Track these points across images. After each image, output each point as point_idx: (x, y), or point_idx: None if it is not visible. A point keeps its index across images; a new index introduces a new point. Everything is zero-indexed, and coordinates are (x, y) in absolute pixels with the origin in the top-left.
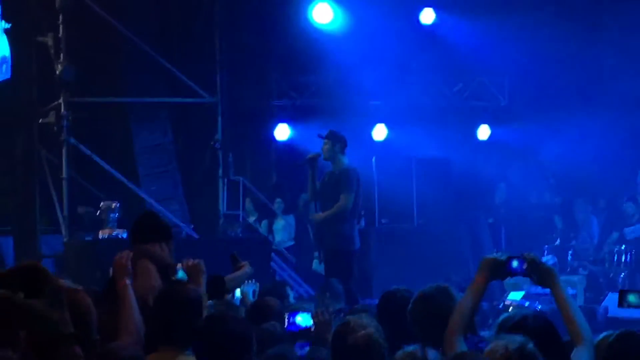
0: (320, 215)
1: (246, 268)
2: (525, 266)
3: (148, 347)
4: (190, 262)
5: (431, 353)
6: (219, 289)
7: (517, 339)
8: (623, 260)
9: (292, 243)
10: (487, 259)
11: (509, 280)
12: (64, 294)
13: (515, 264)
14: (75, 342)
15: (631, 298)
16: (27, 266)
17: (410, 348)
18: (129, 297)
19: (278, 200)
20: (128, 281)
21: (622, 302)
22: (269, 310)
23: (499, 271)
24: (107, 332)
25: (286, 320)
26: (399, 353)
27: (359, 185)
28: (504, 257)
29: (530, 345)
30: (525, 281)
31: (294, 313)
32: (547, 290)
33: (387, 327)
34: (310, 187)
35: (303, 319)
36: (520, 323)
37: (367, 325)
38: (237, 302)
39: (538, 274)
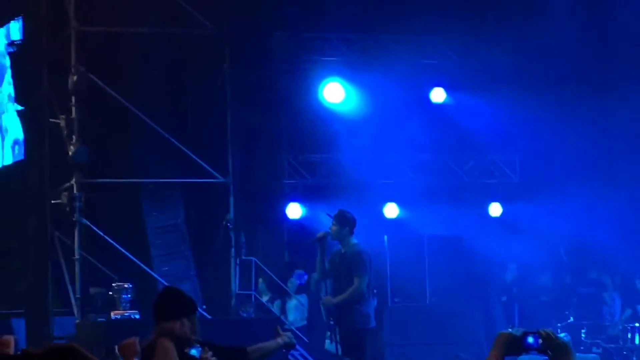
0: (332, 299)
1: (279, 339)
2: (540, 342)
3: None
4: (125, 342)
5: None
6: (240, 358)
7: None
8: (638, 337)
9: (304, 323)
10: (502, 334)
11: (523, 357)
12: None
13: (530, 339)
14: None
15: None
16: (64, 347)
17: None
18: None
19: (291, 279)
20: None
21: None
22: None
23: (514, 347)
24: None
25: None
26: None
27: (371, 265)
28: (519, 333)
29: None
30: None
31: None
32: None
33: None
34: (319, 266)
35: None
36: None
37: None
38: None
39: (554, 350)
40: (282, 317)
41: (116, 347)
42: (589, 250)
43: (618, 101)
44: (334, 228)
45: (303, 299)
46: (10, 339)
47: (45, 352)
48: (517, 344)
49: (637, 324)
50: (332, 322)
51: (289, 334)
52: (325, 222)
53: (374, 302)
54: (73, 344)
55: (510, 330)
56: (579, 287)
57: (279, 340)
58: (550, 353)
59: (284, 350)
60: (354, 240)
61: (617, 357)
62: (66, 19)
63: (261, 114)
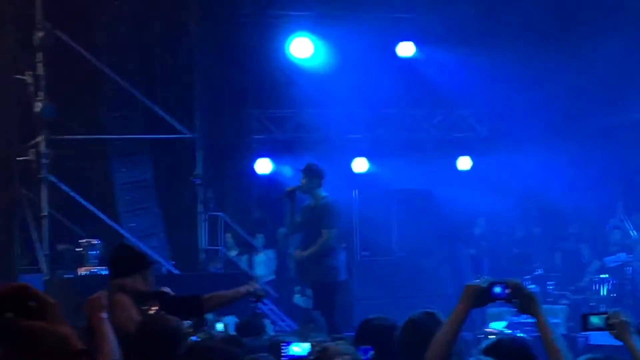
0: (302, 253)
1: (241, 287)
2: (507, 291)
3: None
4: (92, 297)
5: None
6: (195, 308)
7: None
8: (604, 289)
9: (272, 277)
10: (469, 286)
11: (491, 311)
12: (59, 310)
13: (497, 289)
14: (88, 356)
15: (594, 320)
16: (16, 286)
17: None
18: (104, 330)
19: (259, 235)
20: (103, 315)
21: (585, 325)
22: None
23: (481, 298)
24: None
25: (282, 350)
26: None
27: (339, 217)
28: (486, 284)
29: None
30: (507, 312)
31: (287, 343)
32: (530, 320)
33: None
34: (288, 220)
35: (299, 349)
36: (495, 345)
37: (345, 352)
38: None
39: (520, 299)
40: (250, 272)
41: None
42: (558, 203)
43: (586, 54)
44: (304, 181)
45: (271, 253)
46: None
47: None
48: (484, 295)
49: (604, 276)
50: (300, 276)
51: (256, 285)
52: (295, 177)
53: (343, 256)
54: (25, 283)
55: (477, 281)
56: (560, 242)
57: (241, 289)
58: (517, 303)
59: (252, 301)
60: (323, 192)
61: (585, 308)
62: None
63: (229, 70)
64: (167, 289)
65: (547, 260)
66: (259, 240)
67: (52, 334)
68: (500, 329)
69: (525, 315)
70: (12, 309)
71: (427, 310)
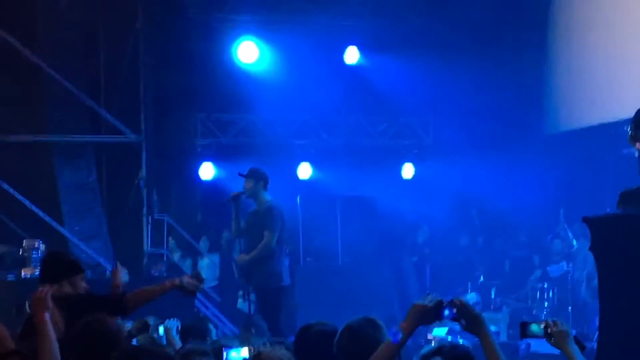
0: (245, 256)
1: (168, 282)
2: (454, 311)
3: None
4: (35, 294)
5: None
6: (119, 306)
7: None
8: (546, 297)
9: (216, 283)
10: (415, 305)
11: (436, 326)
12: None
13: (446, 312)
14: (19, 358)
15: (533, 328)
16: None
17: None
18: (47, 332)
19: (203, 238)
20: (47, 316)
21: (524, 332)
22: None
23: (428, 317)
24: None
25: (224, 355)
26: None
27: (283, 221)
28: (432, 303)
29: None
30: (448, 317)
31: (228, 348)
32: None
33: None
34: (233, 225)
35: (237, 354)
36: (437, 351)
37: (277, 356)
38: (163, 340)
39: (467, 320)
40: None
41: (27, 303)
42: (501, 212)
43: (529, 61)
44: (248, 185)
45: (215, 258)
46: None
47: None
48: (431, 314)
49: (545, 284)
50: (244, 281)
51: (186, 279)
52: (239, 183)
53: (286, 261)
54: None
55: (424, 300)
56: (511, 251)
57: (167, 282)
58: (463, 322)
59: (182, 296)
60: (267, 197)
61: (527, 316)
62: None
63: (174, 73)
64: (125, 271)
65: (490, 267)
66: (203, 244)
67: None
68: (442, 335)
69: None
70: None
71: (366, 316)
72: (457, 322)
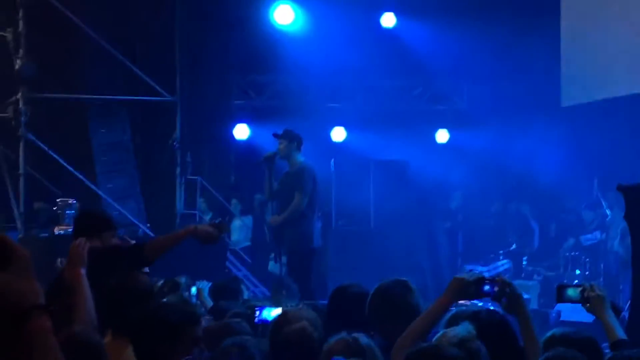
0: (277, 218)
1: (181, 230)
2: (496, 289)
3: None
4: (74, 244)
5: (362, 338)
6: (138, 257)
7: (466, 327)
8: (578, 266)
9: (248, 244)
10: (456, 278)
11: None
12: (30, 264)
13: (487, 287)
14: (44, 313)
15: (569, 292)
16: None
17: (341, 335)
18: (82, 286)
19: (234, 200)
20: (82, 270)
21: (560, 297)
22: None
23: (468, 292)
24: (58, 322)
25: (256, 315)
26: (330, 340)
27: (315, 183)
28: (473, 278)
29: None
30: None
31: (261, 307)
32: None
33: (338, 323)
34: (266, 187)
35: (269, 313)
36: (473, 315)
37: (303, 317)
38: (194, 300)
39: (508, 299)
40: (225, 237)
41: (59, 259)
42: (533, 179)
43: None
44: (282, 145)
45: (247, 220)
46: None
47: None
48: (471, 290)
49: (577, 253)
50: (275, 243)
51: (200, 226)
52: (273, 144)
53: (318, 224)
54: (0, 234)
55: (465, 275)
56: (559, 213)
57: (181, 230)
58: (504, 302)
59: (201, 242)
60: (300, 158)
61: (557, 284)
62: None
63: (211, 34)
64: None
65: (522, 234)
66: (234, 206)
67: (12, 288)
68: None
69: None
70: None
71: (398, 278)
72: (496, 301)
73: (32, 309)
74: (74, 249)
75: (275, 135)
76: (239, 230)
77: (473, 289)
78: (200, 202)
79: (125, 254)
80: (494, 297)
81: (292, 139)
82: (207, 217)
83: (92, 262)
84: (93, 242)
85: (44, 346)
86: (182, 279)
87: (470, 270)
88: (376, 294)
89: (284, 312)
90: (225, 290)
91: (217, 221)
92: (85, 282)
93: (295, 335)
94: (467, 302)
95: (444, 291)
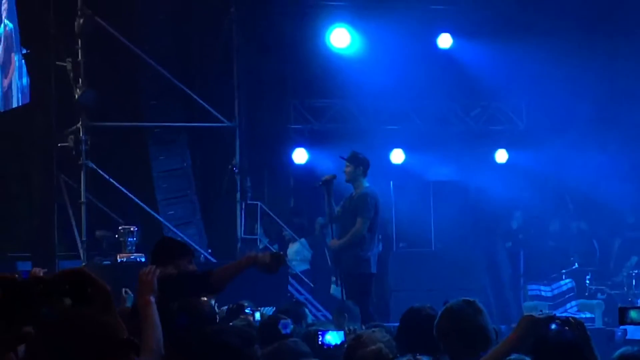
0: (337, 242)
1: (242, 259)
2: (566, 328)
3: None
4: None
5: None
6: (204, 285)
7: None
8: None
9: (307, 267)
10: (526, 317)
11: (528, 305)
12: (112, 297)
13: (552, 326)
14: (131, 348)
15: (633, 314)
16: (74, 271)
17: (406, 357)
18: (150, 314)
19: (286, 230)
20: (151, 298)
21: (623, 319)
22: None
23: (537, 329)
24: None
25: (319, 338)
26: None
27: (377, 209)
28: (543, 316)
29: None
30: (544, 305)
31: (324, 331)
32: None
33: (408, 344)
34: (327, 210)
35: (332, 337)
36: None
37: (378, 340)
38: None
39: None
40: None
41: (123, 290)
42: (594, 196)
43: (628, 48)
44: (348, 169)
45: (303, 242)
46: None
47: (55, 276)
48: (540, 327)
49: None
50: (335, 266)
51: (257, 253)
52: (332, 168)
53: (378, 248)
54: (82, 268)
55: (537, 314)
56: (621, 230)
57: (242, 259)
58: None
59: (260, 271)
60: (365, 183)
61: (622, 303)
62: None
63: (268, 59)
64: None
65: (584, 253)
66: (287, 233)
67: (98, 322)
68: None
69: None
70: (71, 295)
71: (467, 298)
72: None
73: (122, 344)
74: (142, 276)
75: (343, 158)
76: (297, 253)
77: (542, 326)
78: (257, 227)
79: (194, 280)
80: None
81: (357, 164)
82: (265, 241)
83: (160, 289)
84: (167, 268)
85: None
86: (246, 303)
87: (541, 311)
88: (445, 314)
89: (358, 335)
90: (289, 314)
91: (275, 252)
92: (154, 311)
93: (371, 358)
94: None
95: (514, 329)
